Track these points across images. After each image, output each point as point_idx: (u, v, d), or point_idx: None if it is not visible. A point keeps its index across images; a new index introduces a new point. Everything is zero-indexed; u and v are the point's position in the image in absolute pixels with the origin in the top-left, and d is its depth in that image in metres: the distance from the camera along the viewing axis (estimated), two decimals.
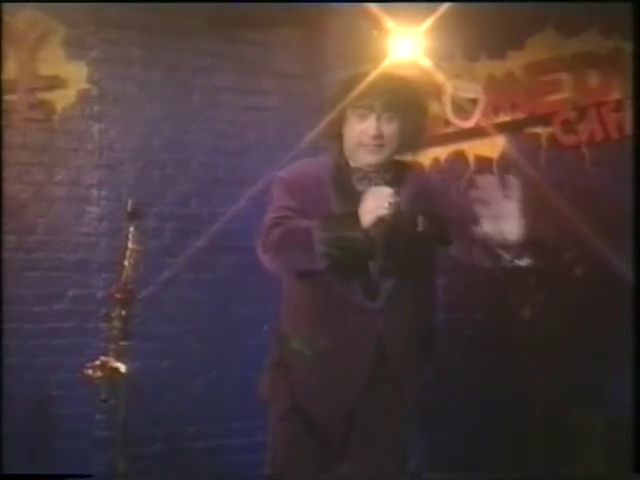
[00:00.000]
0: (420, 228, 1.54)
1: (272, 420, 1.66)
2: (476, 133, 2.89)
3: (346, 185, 1.61)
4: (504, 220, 1.46)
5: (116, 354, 1.18)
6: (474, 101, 2.89)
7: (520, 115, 2.94)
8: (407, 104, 1.58)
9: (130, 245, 1.30)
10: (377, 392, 1.59)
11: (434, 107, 2.69)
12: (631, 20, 2.07)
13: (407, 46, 2.61)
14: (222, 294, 2.67)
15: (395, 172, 1.62)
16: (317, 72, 2.77)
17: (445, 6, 2.46)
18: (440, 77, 2.75)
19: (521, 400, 2.69)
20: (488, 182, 1.48)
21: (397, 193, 1.48)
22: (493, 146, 2.91)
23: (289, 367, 1.62)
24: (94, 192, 2.57)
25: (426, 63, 2.66)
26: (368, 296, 1.57)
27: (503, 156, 2.90)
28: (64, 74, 2.50)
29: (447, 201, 1.72)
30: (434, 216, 1.57)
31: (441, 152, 2.86)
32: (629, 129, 2.96)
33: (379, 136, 1.56)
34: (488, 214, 1.46)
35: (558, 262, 2.82)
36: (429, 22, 2.54)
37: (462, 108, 2.86)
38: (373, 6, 2.54)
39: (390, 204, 1.46)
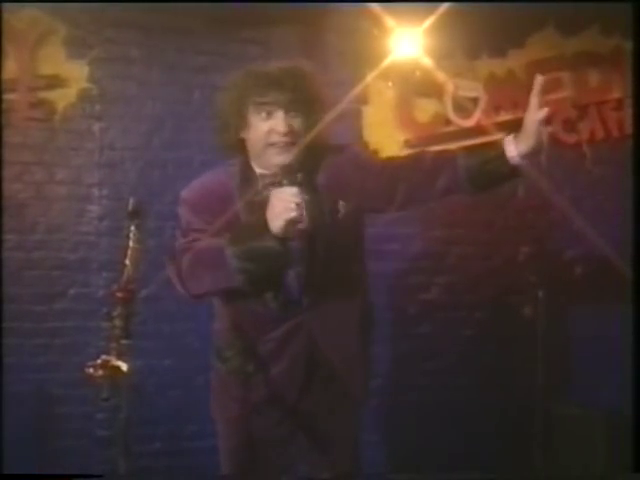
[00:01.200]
0: (342, 212, 1.49)
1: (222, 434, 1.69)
2: (477, 132, 2.88)
3: (253, 194, 1.52)
4: None
5: (117, 353, 1.18)
6: (475, 100, 2.89)
7: (521, 114, 2.89)
8: (309, 98, 1.51)
9: (131, 244, 1.30)
10: (319, 392, 1.58)
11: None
12: (631, 20, 2.07)
13: (408, 45, 2.61)
14: None
15: (305, 171, 1.50)
16: (318, 71, 2.77)
17: (446, 5, 2.46)
18: (441, 76, 2.75)
19: (521, 399, 2.70)
20: None
21: (305, 190, 1.41)
22: None
23: (232, 382, 1.62)
24: (95, 191, 2.57)
25: (427, 62, 2.66)
26: (289, 309, 1.53)
27: None
28: (65, 73, 2.50)
29: (367, 167, 1.59)
30: (351, 195, 1.50)
31: None
32: (629, 128, 2.96)
33: (289, 132, 1.48)
34: None
35: (558, 260, 2.82)
36: (430, 21, 2.53)
37: (463, 107, 2.86)
38: (374, 5, 2.53)
39: (297, 204, 1.38)
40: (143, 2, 2.50)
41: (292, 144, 1.50)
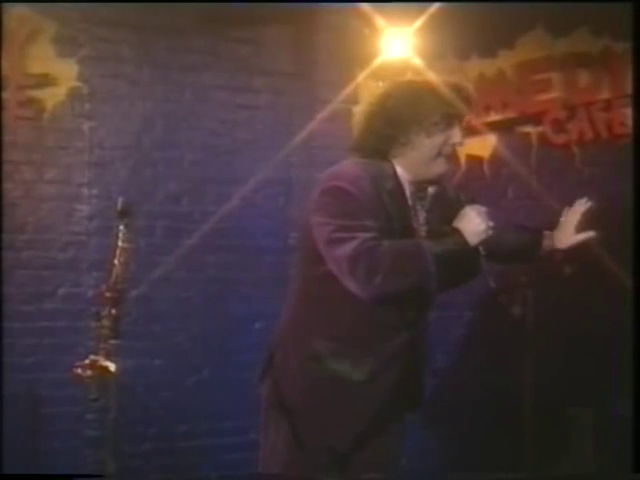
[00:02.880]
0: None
1: (272, 423, 1.59)
2: (467, 132, 2.87)
3: (398, 197, 1.52)
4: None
5: (106, 353, 1.17)
6: None
7: (511, 114, 2.95)
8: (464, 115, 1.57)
9: (120, 244, 1.30)
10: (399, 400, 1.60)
11: None
12: (631, 20, 2.07)
13: (398, 45, 2.62)
14: (213, 293, 2.66)
15: (438, 191, 1.58)
16: (308, 71, 2.77)
17: (436, 5, 2.47)
18: (431, 76, 2.75)
19: (512, 398, 2.71)
20: None
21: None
22: (484, 145, 2.91)
23: (311, 381, 1.54)
24: (84, 190, 2.55)
25: (417, 62, 2.67)
26: (406, 321, 1.55)
27: (494, 155, 2.92)
28: (54, 72, 2.48)
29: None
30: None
31: None
32: (618, 128, 2.99)
33: (460, 144, 1.55)
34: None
35: (548, 260, 2.84)
36: (420, 21, 2.54)
37: None
38: (364, 5, 2.54)
39: (493, 225, 1.47)
40: (134, 2, 2.49)
41: (452, 156, 1.57)
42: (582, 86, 2.99)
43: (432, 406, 2.79)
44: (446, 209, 1.57)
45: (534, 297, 2.68)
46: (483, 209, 1.48)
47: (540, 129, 2.97)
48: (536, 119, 2.97)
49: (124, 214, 1.31)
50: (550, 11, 2.76)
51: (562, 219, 1.80)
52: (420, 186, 1.56)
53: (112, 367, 1.15)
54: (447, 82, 1.58)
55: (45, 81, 2.47)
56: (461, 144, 1.55)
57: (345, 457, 1.58)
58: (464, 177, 2.91)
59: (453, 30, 2.71)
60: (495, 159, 2.92)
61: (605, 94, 2.99)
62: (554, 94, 2.97)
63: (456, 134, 1.53)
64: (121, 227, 1.30)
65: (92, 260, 2.50)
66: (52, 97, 2.48)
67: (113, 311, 1.19)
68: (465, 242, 1.45)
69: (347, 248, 1.41)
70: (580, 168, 3.00)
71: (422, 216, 1.57)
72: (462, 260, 1.47)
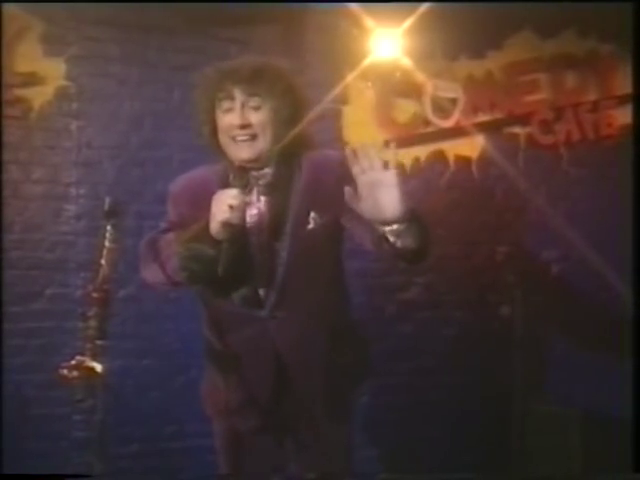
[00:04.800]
0: (311, 225, 1.45)
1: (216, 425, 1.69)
2: (456, 133, 2.91)
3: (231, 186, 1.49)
4: (383, 190, 1.28)
5: (92, 354, 1.17)
6: (454, 101, 2.91)
7: (499, 115, 2.97)
8: (272, 89, 1.47)
9: (107, 244, 1.29)
10: (295, 397, 1.56)
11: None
12: (631, 20, 2.08)
13: (387, 45, 2.62)
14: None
15: (279, 167, 1.49)
16: (297, 70, 2.76)
17: (425, 6, 2.48)
18: (420, 77, 2.77)
19: (501, 398, 2.73)
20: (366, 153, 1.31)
21: (263, 192, 1.43)
22: (473, 146, 2.93)
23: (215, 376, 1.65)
24: (72, 190, 2.54)
25: (406, 63, 2.68)
26: (251, 306, 1.52)
27: (482, 155, 2.93)
28: (41, 71, 2.46)
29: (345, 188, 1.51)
30: (328, 208, 1.46)
31: (421, 151, 2.88)
32: (605, 130, 3.02)
33: (246, 125, 1.45)
34: (367, 185, 1.28)
35: (536, 260, 2.86)
36: (409, 22, 2.55)
37: (442, 107, 2.88)
38: (353, 5, 2.54)
39: (232, 206, 1.37)
40: (123, 1, 2.48)
41: (253, 137, 1.47)
42: (569, 87, 3.02)
43: (420, 406, 2.82)
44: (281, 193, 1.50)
45: (522, 297, 2.70)
46: (228, 192, 1.40)
47: (528, 130, 2.99)
48: (524, 120, 2.99)
49: (111, 214, 1.31)
50: (538, 13, 2.78)
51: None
52: (252, 171, 1.50)
53: (98, 368, 1.14)
54: (240, 62, 1.53)
55: (32, 80, 2.45)
56: (244, 127, 1.45)
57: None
58: (453, 177, 2.93)
59: (442, 31, 2.72)
60: (483, 159, 2.93)
61: (592, 95, 3.01)
62: (542, 95, 2.99)
63: (235, 117, 1.46)
64: (108, 227, 1.30)
65: (80, 260, 2.49)
66: (39, 96, 2.46)
67: (100, 311, 1.19)
68: (207, 231, 1.41)
69: None
70: (567, 169, 3.02)
71: (255, 199, 1.51)
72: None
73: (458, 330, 2.93)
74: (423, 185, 2.84)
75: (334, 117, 2.75)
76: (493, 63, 2.95)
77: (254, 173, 1.51)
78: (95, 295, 1.24)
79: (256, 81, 1.48)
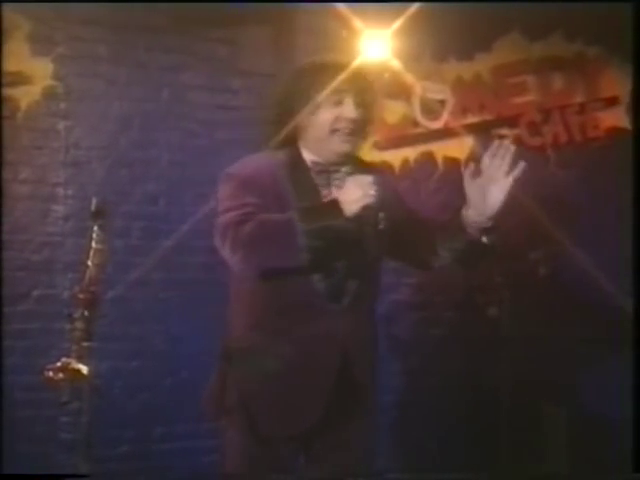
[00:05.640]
0: (381, 226, 1.48)
1: (224, 432, 1.60)
2: (445, 134, 2.92)
3: (304, 179, 1.53)
4: (495, 185, 1.47)
5: (78, 355, 1.16)
6: (443, 102, 2.92)
7: (487, 116, 2.99)
8: (372, 95, 1.55)
9: (94, 245, 1.28)
10: (342, 399, 1.53)
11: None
12: (631, 20, 2.09)
13: (376, 47, 2.63)
14: (191, 294, 2.65)
15: (354, 171, 1.53)
16: (287, 72, 2.77)
17: (414, 7, 2.49)
18: (409, 78, 2.78)
19: (488, 398, 2.74)
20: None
21: (376, 182, 1.44)
22: (461, 147, 2.95)
23: (241, 382, 1.54)
24: (60, 191, 2.52)
25: (395, 64, 2.68)
26: (332, 298, 1.51)
27: (471, 157, 2.95)
28: (29, 70, 2.44)
29: (413, 206, 1.70)
30: (394, 217, 1.51)
31: (410, 153, 2.89)
32: (591, 132, 3.05)
33: (355, 120, 1.51)
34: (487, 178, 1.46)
35: (523, 261, 2.88)
36: (398, 23, 2.56)
37: (431, 109, 2.89)
38: (342, 6, 2.55)
39: (375, 192, 1.42)
40: (112, 1, 2.47)
41: (353, 134, 1.52)
42: (557, 90, 3.05)
43: (409, 407, 2.83)
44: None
45: (510, 298, 2.71)
46: (367, 178, 1.44)
47: (516, 131, 3.02)
48: (512, 122, 3.01)
49: (98, 215, 1.30)
50: (526, 15, 2.81)
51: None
52: (331, 166, 1.54)
53: (85, 370, 1.14)
54: (346, 60, 1.59)
55: (20, 79, 2.44)
56: (352, 121, 1.50)
57: (304, 446, 1.55)
58: (441, 178, 2.94)
59: (431, 33, 2.74)
60: (472, 161, 2.94)
61: (579, 98, 3.04)
62: (529, 97, 3.01)
63: (347, 109, 1.50)
64: (95, 228, 1.29)
65: (67, 261, 2.47)
66: (27, 96, 2.45)
67: (86, 313, 1.18)
68: (341, 212, 1.41)
69: (220, 226, 1.47)
70: (555, 170, 3.05)
71: (337, 194, 1.51)
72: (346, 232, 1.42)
73: (446, 330, 2.94)
74: (412, 186, 2.85)
75: None
76: (481, 65, 2.97)
77: (331, 170, 1.54)
78: (82, 296, 1.23)
79: (364, 82, 1.54)
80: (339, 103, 1.52)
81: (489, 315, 2.73)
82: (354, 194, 1.43)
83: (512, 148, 1.50)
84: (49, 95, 2.48)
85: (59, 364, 1.15)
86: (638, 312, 2.13)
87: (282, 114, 1.56)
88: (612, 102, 3.01)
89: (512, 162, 1.49)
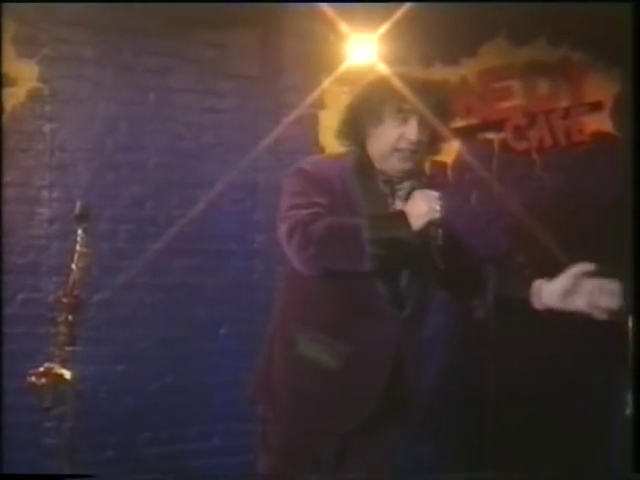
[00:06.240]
0: (439, 242, 1.48)
1: (262, 423, 1.59)
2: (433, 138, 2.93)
3: (371, 186, 1.55)
4: None
5: (61, 360, 1.15)
6: None
7: (474, 120, 3.01)
8: (440, 112, 1.54)
9: (78, 248, 1.27)
10: (390, 401, 1.55)
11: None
12: (631, 20, 2.12)
13: (363, 51, 2.64)
14: (178, 298, 2.64)
15: (418, 185, 1.55)
16: (274, 74, 2.77)
17: (401, 12, 2.50)
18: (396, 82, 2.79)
19: (473, 400, 2.75)
20: None
21: (441, 198, 1.46)
22: (448, 150, 2.95)
23: (290, 372, 1.54)
24: (45, 193, 2.50)
25: (382, 68, 2.69)
26: (395, 304, 1.53)
27: (457, 160, 2.97)
28: (13, 72, 2.42)
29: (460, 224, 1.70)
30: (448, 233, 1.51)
31: None
32: (576, 136, 3.08)
33: (417, 142, 1.52)
34: None
35: (509, 264, 2.89)
36: (385, 28, 2.57)
37: None
38: (330, 10, 2.56)
39: (441, 208, 1.44)
40: (98, 1, 2.45)
41: (415, 153, 1.53)
42: (542, 94, 3.07)
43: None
44: None
45: (497, 301, 2.72)
46: (433, 193, 1.46)
47: (502, 136, 3.04)
48: (498, 126, 3.03)
49: (82, 218, 1.29)
50: (510, 21, 2.83)
51: (561, 276, 1.68)
52: (395, 177, 1.57)
53: (68, 375, 1.12)
54: (421, 80, 1.59)
55: (4, 81, 2.42)
56: (415, 143, 1.51)
57: (335, 453, 1.55)
58: (428, 182, 2.95)
59: (417, 37, 2.75)
60: (458, 164, 2.97)
61: (564, 102, 3.07)
62: (515, 102, 3.04)
63: (410, 131, 1.51)
64: (79, 231, 1.28)
65: (52, 264, 2.45)
66: (12, 98, 2.43)
67: (70, 317, 1.17)
68: (408, 224, 1.43)
69: (289, 222, 1.47)
70: (540, 174, 3.07)
71: (400, 205, 1.56)
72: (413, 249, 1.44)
73: (433, 333, 2.94)
74: None
75: (311, 121, 2.76)
76: (468, 70, 2.99)
77: (395, 180, 1.56)
78: (65, 300, 1.22)
79: (434, 103, 1.53)
80: (404, 123, 1.52)
81: (476, 318, 2.74)
82: (421, 208, 1.45)
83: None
84: (34, 97, 2.46)
85: (42, 369, 1.14)
86: (638, 311, 2.13)
87: (346, 124, 1.59)
88: (596, 107, 3.04)
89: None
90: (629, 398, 2.14)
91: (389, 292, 1.53)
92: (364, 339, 1.51)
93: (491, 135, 3.02)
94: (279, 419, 1.56)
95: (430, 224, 1.44)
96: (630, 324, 2.20)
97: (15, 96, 2.43)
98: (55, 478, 1.91)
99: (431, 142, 1.58)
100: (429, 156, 1.65)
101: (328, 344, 1.51)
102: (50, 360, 1.16)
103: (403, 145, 1.52)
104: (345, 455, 1.58)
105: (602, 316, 1.50)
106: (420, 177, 1.57)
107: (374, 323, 1.52)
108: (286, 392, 1.55)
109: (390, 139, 1.53)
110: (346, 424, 1.52)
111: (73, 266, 1.26)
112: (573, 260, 2.74)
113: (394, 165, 1.54)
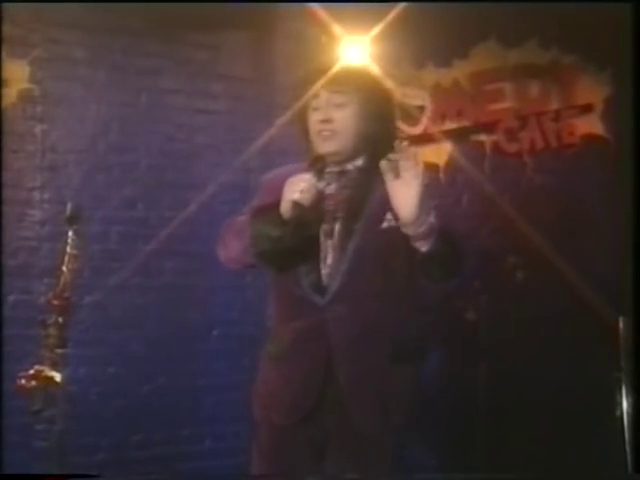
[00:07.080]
0: (385, 225, 1.46)
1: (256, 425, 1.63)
2: (423, 140, 2.95)
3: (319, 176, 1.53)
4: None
5: (51, 363, 1.14)
6: (421, 108, 2.95)
7: (466, 123, 3.02)
8: (361, 89, 1.53)
9: (68, 250, 1.27)
10: (330, 392, 1.52)
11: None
12: (631, 20, 2.13)
13: (355, 52, 2.65)
14: (170, 299, 2.63)
15: (365, 164, 1.53)
16: (266, 76, 2.78)
17: (393, 13, 2.51)
18: (388, 84, 2.79)
19: (465, 402, 2.76)
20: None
21: (326, 182, 1.46)
22: (440, 153, 2.97)
23: (262, 368, 1.62)
24: (36, 195, 2.49)
25: (374, 70, 2.70)
26: (316, 291, 1.52)
27: (449, 162, 2.98)
28: (5, 73, 2.41)
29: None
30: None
31: None
32: (567, 138, 3.09)
33: (327, 120, 1.51)
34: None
35: (501, 266, 2.91)
36: (377, 29, 2.58)
37: (410, 115, 2.91)
38: (323, 12, 2.56)
39: (303, 189, 1.41)
40: (89, 2, 2.45)
41: (333, 133, 1.52)
42: (533, 97, 3.08)
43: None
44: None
45: (487, 302, 2.74)
46: (301, 177, 1.44)
47: (493, 138, 3.05)
48: (490, 128, 3.05)
49: (73, 220, 1.28)
50: (502, 23, 2.84)
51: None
52: (328, 162, 1.55)
53: (58, 377, 1.12)
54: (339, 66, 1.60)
55: None
56: (326, 121, 1.51)
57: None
58: (370, 164, 2.95)
59: (409, 39, 2.76)
60: (450, 166, 2.98)
61: (555, 105, 3.09)
62: (507, 104, 3.05)
63: (318, 114, 1.53)
64: (70, 233, 1.28)
65: (43, 266, 2.44)
66: (3, 99, 2.41)
67: (60, 319, 1.16)
68: (278, 213, 1.45)
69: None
70: (531, 176, 3.09)
71: (329, 190, 1.54)
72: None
73: (424, 334, 2.95)
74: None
75: None
76: (459, 72, 3.00)
77: (336, 167, 1.55)
78: (55, 303, 1.21)
79: (341, 80, 1.54)
80: (316, 109, 1.55)
81: (467, 320, 2.75)
82: (284, 192, 1.45)
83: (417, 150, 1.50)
84: (25, 98, 2.45)
85: (32, 371, 1.13)
86: (638, 310, 2.14)
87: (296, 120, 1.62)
88: (587, 109, 3.06)
89: (418, 164, 1.48)
90: (622, 399, 2.16)
91: (310, 280, 1.52)
92: (299, 328, 1.55)
93: (483, 137, 3.03)
94: (260, 417, 1.61)
95: (293, 206, 1.42)
96: (621, 324, 2.22)
97: (6, 97, 2.42)
98: (55, 478, 1.89)
99: (361, 123, 1.53)
100: (363, 138, 1.54)
101: (274, 335, 1.60)
102: (40, 362, 1.15)
103: (318, 127, 1.53)
104: (326, 452, 1.58)
105: None
106: (348, 164, 1.54)
107: (303, 312, 1.54)
108: (261, 388, 1.62)
109: (311, 126, 1.55)
110: (294, 415, 1.54)
111: (64, 268, 1.26)
112: (566, 261, 2.77)
113: (319, 148, 1.54)
